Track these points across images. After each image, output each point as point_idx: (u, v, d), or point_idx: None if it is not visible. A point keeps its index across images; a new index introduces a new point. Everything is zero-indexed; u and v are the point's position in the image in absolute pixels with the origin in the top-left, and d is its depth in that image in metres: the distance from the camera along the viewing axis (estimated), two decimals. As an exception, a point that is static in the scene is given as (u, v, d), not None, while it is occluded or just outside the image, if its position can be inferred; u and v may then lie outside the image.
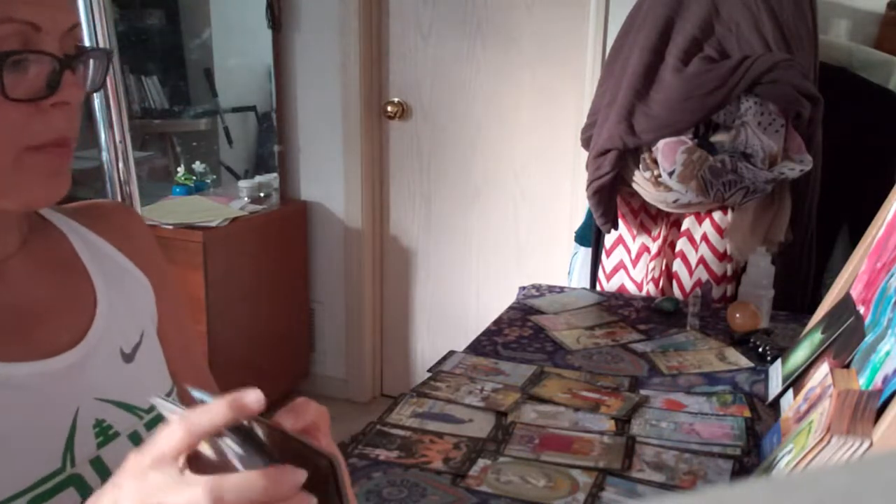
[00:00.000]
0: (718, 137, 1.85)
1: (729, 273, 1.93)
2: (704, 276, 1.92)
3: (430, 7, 2.87)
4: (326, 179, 3.08)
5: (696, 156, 1.79)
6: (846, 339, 1.22)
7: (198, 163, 3.15)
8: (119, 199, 1.48)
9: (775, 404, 1.35)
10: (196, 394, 0.55)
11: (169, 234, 2.67)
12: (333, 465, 0.55)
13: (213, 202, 2.97)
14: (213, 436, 0.52)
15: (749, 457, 1.21)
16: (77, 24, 0.70)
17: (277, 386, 2.98)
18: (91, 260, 0.79)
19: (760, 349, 1.57)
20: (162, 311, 0.84)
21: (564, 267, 2.48)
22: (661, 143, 1.83)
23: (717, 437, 1.26)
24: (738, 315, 1.66)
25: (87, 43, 1.34)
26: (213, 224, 2.75)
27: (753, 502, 0.26)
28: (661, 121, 1.84)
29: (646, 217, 2.05)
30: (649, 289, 2.00)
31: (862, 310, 1.22)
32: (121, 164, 1.47)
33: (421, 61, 2.94)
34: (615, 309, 1.85)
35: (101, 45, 1.37)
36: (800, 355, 1.35)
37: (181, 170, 3.14)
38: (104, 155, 1.46)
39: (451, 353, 1.58)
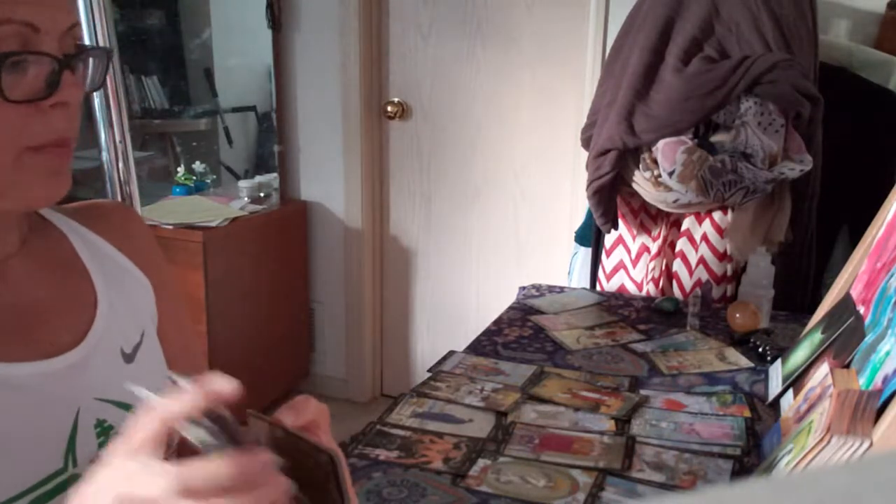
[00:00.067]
0: (718, 137, 1.85)
1: (729, 273, 1.93)
2: (704, 276, 1.92)
3: (430, 7, 2.87)
4: (326, 179, 3.08)
5: (696, 156, 1.79)
6: (846, 339, 1.22)
7: (198, 163, 3.15)
8: (119, 199, 1.48)
9: (775, 404, 1.35)
10: (174, 377, 0.55)
11: (169, 234, 2.67)
12: (334, 461, 0.55)
13: (213, 202, 2.97)
14: (193, 424, 0.52)
15: (749, 457, 1.21)
16: (76, 24, 0.70)
17: (277, 386, 2.99)
18: (91, 260, 0.79)
19: (760, 349, 1.57)
20: (162, 311, 0.84)
21: (564, 267, 2.48)
22: (661, 143, 1.83)
23: (717, 437, 1.26)
24: (738, 315, 1.66)
25: (86, 43, 1.34)
26: (213, 224, 2.75)
27: (753, 502, 0.26)
28: (661, 121, 1.84)
29: (646, 217, 2.05)
30: (649, 289, 2.00)
31: (862, 310, 1.22)
32: (121, 164, 1.47)
33: (421, 61, 2.94)
34: (615, 309, 1.85)
35: (101, 44, 1.37)
36: (800, 355, 1.35)
37: (181, 170, 3.14)
38: (104, 155, 1.46)
39: (451, 353, 1.58)
